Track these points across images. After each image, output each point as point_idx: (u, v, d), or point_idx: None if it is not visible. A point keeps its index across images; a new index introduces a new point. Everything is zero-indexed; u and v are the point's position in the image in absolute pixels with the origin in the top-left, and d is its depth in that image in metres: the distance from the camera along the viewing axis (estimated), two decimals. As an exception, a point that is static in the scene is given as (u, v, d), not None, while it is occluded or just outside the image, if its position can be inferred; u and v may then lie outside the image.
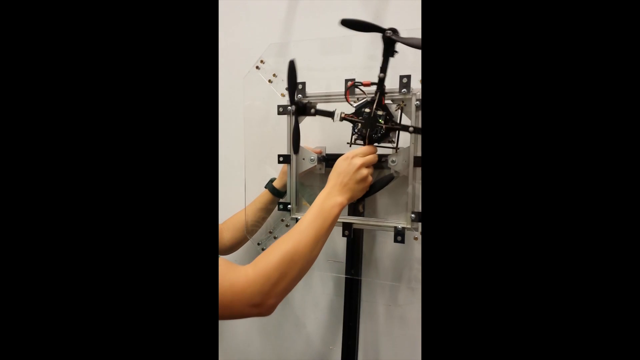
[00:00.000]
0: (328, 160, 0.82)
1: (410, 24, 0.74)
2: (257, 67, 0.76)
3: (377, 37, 0.79)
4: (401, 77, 0.67)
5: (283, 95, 0.76)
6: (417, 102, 0.66)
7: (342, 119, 0.69)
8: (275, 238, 0.89)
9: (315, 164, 0.77)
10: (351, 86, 0.70)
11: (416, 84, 0.67)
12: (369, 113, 0.67)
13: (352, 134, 0.70)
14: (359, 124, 0.69)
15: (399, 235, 0.71)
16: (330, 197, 0.61)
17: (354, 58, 0.81)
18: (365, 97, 0.69)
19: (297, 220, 0.78)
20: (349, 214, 0.79)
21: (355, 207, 0.76)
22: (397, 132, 0.68)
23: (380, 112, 0.67)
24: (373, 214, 0.83)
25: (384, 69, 0.64)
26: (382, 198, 0.83)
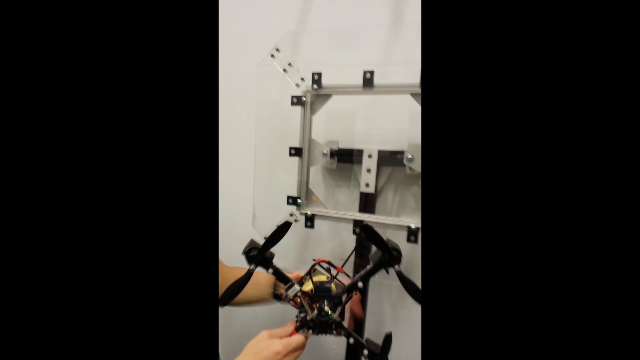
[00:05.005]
0: (341, 155, 0.80)
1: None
2: (272, 56, 0.73)
3: (395, 29, 0.77)
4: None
5: (298, 85, 0.73)
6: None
7: (294, 295, 0.60)
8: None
9: (328, 158, 0.74)
10: (318, 263, 0.63)
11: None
12: (327, 317, 0.58)
13: (297, 316, 0.61)
14: (306, 312, 0.59)
15: (412, 235, 0.68)
16: None
17: (371, 48, 0.78)
18: (328, 281, 0.61)
19: (306, 215, 0.75)
20: (359, 211, 0.77)
21: None
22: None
23: (337, 319, 0.58)
24: (385, 212, 0.81)
25: (365, 277, 0.57)
26: (395, 196, 0.80)
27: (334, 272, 0.65)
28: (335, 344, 0.93)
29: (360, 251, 0.76)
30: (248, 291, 0.73)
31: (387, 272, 0.56)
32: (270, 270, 0.60)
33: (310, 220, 0.76)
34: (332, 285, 0.61)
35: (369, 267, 0.58)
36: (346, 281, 0.62)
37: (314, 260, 0.65)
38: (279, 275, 0.61)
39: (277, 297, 0.71)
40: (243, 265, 0.59)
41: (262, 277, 0.73)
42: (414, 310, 0.84)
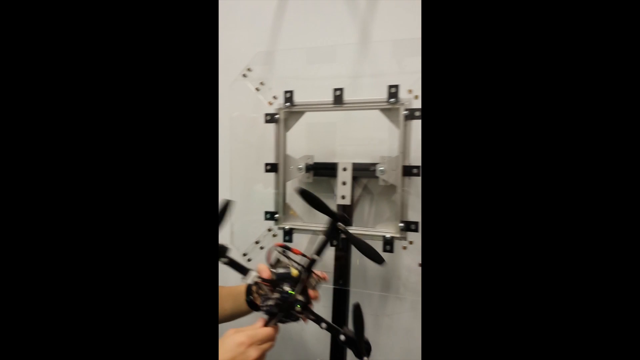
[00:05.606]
0: (316, 169, 0.81)
1: (397, 34, 0.75)
2: (244, 75, 0.75)
3: (364, 47, 0.80)
4: (389, 86, 0.67)
5: (270, 103, 0.75)
6: (406, 111, 0.66)
7: (254, 284, 0.60)
8: (261, 248, 0.88)
9: (304, 172, 0.76)
10: (278, 247, 0.63)
11: (404, 94, 0.67)
12: (287, 296, 0.59)
13: (261, 306, 0.60)
14: (270, 300, 0.59)
15: (388, 245, 0.70)
16: None
17: (341, 66, 0.81)
18: (288, 267, 0.62)
19: (284, 229, 0.76)
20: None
21: None
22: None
23: (300, 298, 0.59)
24: (361, 223, 0.83)
25: (319, 251, 0.59)
26: (371, 207, 0.82)
27: (292, 255, 0.64)
28: (321, 355, 0.93)
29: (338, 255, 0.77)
30: (224, 305, 0.73)
31: (338, 242, 0.59)
32: (225, 260, 0.61)
33: (288, 235, 0.77)
34: (294, 270, 0.61)
35: (320, 238, 0.60)
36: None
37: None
38: (234, 265, 0.61)
39: (252, 304, 0.70)
40: (224, 283, 0.60)
41: (237, 288, 0.74)
42: (395, 319, 0.86)
